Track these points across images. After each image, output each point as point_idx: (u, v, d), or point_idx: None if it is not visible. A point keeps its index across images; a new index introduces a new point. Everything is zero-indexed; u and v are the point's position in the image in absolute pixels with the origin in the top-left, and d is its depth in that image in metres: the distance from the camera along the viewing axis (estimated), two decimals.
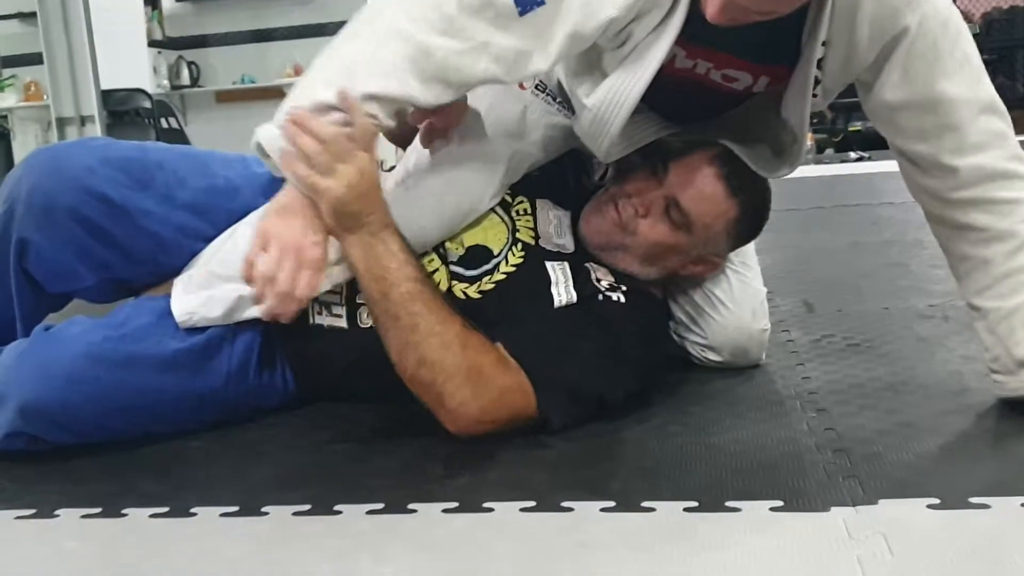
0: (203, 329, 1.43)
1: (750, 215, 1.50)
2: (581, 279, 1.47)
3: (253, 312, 1.40)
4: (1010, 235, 1.28)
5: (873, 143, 4.84)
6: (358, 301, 1.46)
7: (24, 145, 7.41)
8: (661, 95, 1.34)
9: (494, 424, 1.31)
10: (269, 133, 1.29)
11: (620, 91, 1.30)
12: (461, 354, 1.28)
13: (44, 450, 1.38)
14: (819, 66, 1.27)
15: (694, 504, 1.11)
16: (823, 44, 1.25)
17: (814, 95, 1.30)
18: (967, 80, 1.26)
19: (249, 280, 1.27)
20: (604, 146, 1.37)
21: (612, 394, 1.40)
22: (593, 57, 1.34)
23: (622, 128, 1.33)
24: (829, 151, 6.37)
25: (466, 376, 1.28)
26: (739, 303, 1.58)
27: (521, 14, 1.23)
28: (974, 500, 1.07)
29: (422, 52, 1.24)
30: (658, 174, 1.45)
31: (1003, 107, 1.29)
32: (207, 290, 1.44)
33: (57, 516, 1.20)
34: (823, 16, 1.21)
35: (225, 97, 8.04)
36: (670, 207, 1.44)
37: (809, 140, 5.69)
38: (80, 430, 1.37)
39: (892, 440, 1.27)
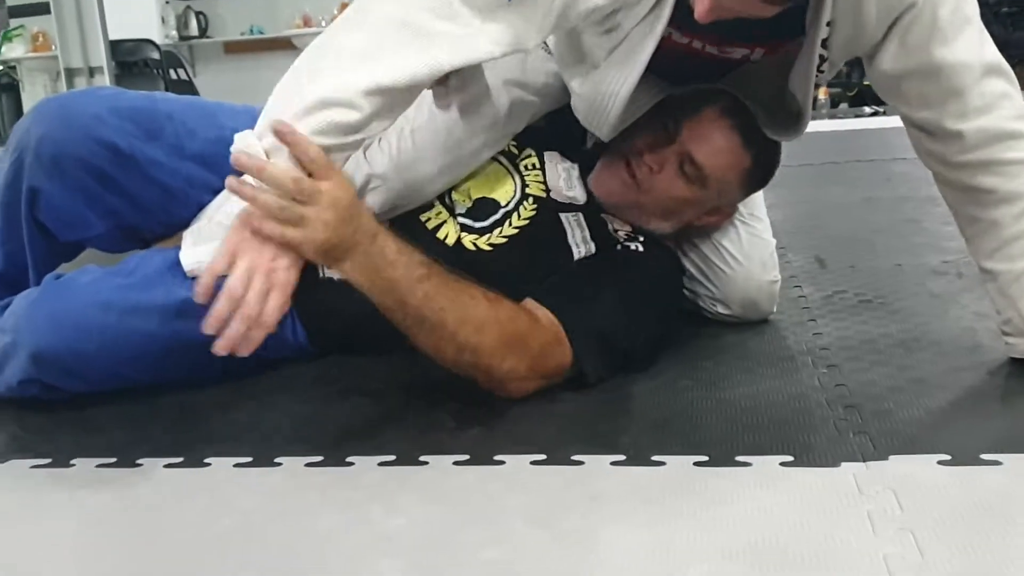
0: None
1: (762, 164, 1.50)
2: (598, 229, 1.47)
3: None
4: (1017, 197, 1.27)
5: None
6: None
7: (33, 96, 7.39)
8: (658, 62, 1.33)
9: (543, 379, 1.32)
10: (248, 146, 1.18)
11: (612, 85, 1.29)
12: (497, 330, 1.25)
13: (59, 399, 1.39)
14: (824, 45, 1.26)
15: (704, 458, 1.11)
16: (828, 24, 1.23)
17: (821, 70, 1.30)
18: (967, 44, 1.24)
19: (203, 295, 1.13)
20: (604, 132, 1.38)
21: (638, 342, 1.40)
22: (582, 45, 1.32)
23: (619, 117, 1.31)
24: (843, 105, 6.31)
25: (507, 347, 1.26)
26: (748, 255, 1.58)
27: (509, 1, 1.20)
28: (985, 457, 1.07)
29: (425, 36, 1.18)
30: (669, 130, 1.44)
31: (1007, 67, 1.27)
32: (215, 242, 1.44)
33: (73, 465, 1.21)
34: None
35: (234, 48, 8.00)
36: (684, 163, 1.43)
37: (823, 94, 5.63)
38: (93, 378, 1.38)
39: (903, 396, 1.27)
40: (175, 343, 1.40)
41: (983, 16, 1.27)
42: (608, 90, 1.29)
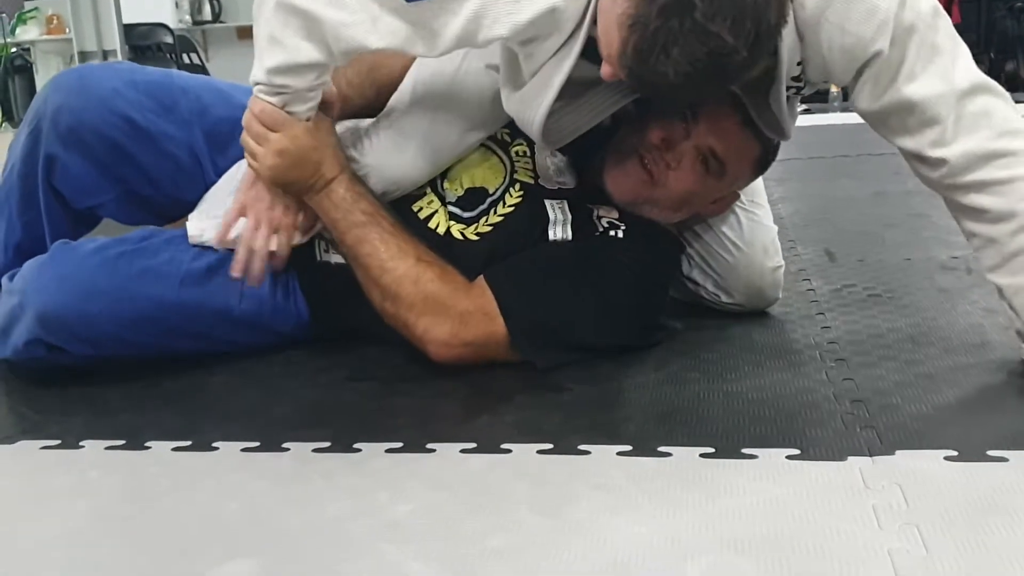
0: (217, 250, 1.45)
1: (768, 151, 1.49)
2: (581, 218, 1.46)
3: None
4: (1011, 215, 1.26)
5: None
6: None
7: (47, 79, 7.38)
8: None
9: (466, 348, 1.36)
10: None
11: (528, 111, 1.29)
12: (414, 286, 1.36)
13: (65, 363, 1.41)
14: (798, 79, 1.29)
15: (710, 450, 1.11)
16: (799, 64, 1.25)
17: (801, 93, 1.34)
18: (937, 74, 1.23)
19: (223, 242, 1.42)
20: (539, 145, 1.43)
21: (593, 329, 1.41)
22: (513, 63, 1.32)
23: (541, 140, 1.32)
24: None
25: (424, 304, 1.35)
26: (750, 241, 1.57)
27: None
28: (992, 453, 1.07)
29: (313, 22, 1.24)
30: (686, 124, 1.42)
31: (986, 81, 1.26)
32: (218, 211, 1.46)
33: (81, 447, 1.22)
34: (782, 48, 1.19)
35: (247, 33, 7.93)
36: (706, 157, 1.42)
37: (835, 88, 5.59)
38: (98, 341, 1.40)
39: (911, 391, 1.27)
40: (181, 311, 1.43)
41: (996, 9, 1.26)
42: (526, 116, 1.31)
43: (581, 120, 1.33)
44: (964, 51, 1.27)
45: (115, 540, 0.99)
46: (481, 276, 1.39)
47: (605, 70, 1.16)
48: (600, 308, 1.41)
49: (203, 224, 1.46)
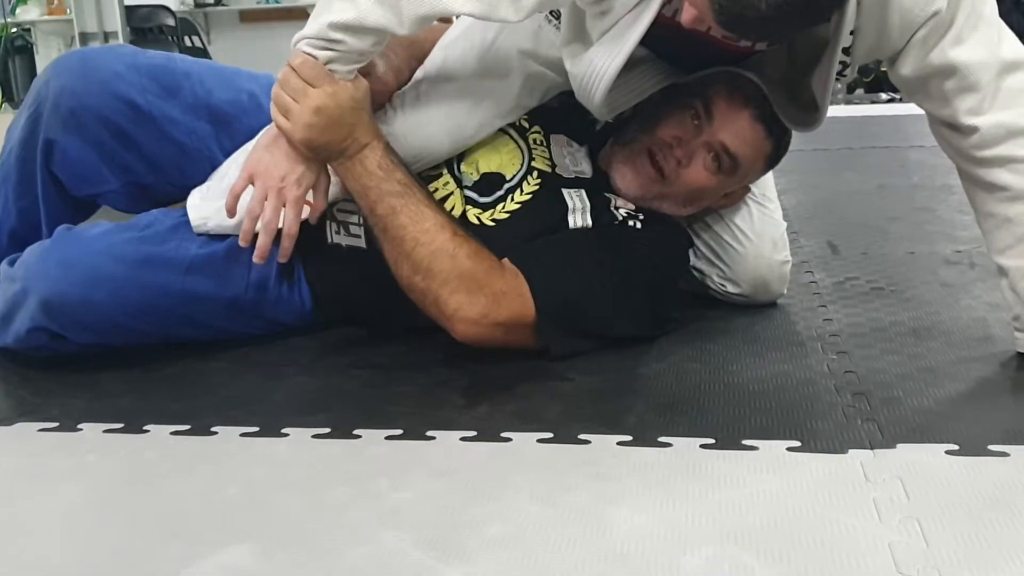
0: (224, 238, 1.44)
1: (780, 149, 1.49)
2: (600, 207, 1.46)
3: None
4: None
5: None
6: None
7: (47, 59, 7.36)
8: (661, 45, 1.32)
9: (494, 327, 1.32)
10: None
11: (598, 67, 1.28)
12: (450, 261, 1.31)
13: (67, 351, 1.40)
14: (847, 51, 1.27)
15: (711, 441, 1.11)
16: (851, 33, 1.24)
17: (844, 75, 1.32)
18: (982, 42, 1.24)
19: (231, 212, 1.36)
20: (594, 110, 1.38)
21: (612, 315, 1.40)
22: (580, 24, 1.32)
23: (604, 99, 1.31)
24: (859, 91, 6.26)
25: (459, 281, 1.31)
26: (759, 233, 1.57)
27: None
28: (993, 448, 1.07)
29: None
30: (699, 120, 1.42)
31: None
32: (223, 200, 1.45)
33: (80, 430, 1.21)
34: (847, 10, 1.19)
35: (249, 16, 7.96)
36: (718, 153, 1.42)
37: None
38: (102, 329, 1.39)
39: (912, 385, 1.26)
40: (184, 299, 1.42)
41: (1003, 3, 1.26)
42: (595, 70, 1.29)
43: (621, 99, 1.35)
44: (1008, 31, 1.28)
45: (113, 522, 0.99)
46: (507, 260, 1.36)
47: (688, 14, 1.13)
48: (621, 297, 1.41)
49: (206, 211, 1.44)
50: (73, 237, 1.40)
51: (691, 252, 1.59)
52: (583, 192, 1.47)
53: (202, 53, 7.38)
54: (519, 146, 1.50)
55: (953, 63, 1.24)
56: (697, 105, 1.42)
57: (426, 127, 1.43)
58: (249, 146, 1.47)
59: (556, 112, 1.52)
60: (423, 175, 1.47)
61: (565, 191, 1.46)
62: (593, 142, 1.54)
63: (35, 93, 1.50)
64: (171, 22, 7.15)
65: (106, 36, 6.71)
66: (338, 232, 1.48)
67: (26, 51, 7.61)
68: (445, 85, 1.45)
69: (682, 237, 1.56)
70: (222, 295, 1.44)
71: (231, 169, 1.48)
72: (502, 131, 1.50)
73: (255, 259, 1.36)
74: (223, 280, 1.43)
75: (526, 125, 1.51)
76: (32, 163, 1.50)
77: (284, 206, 1.34)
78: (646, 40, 1.25)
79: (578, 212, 1.44)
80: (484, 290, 1.31)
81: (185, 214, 1.45)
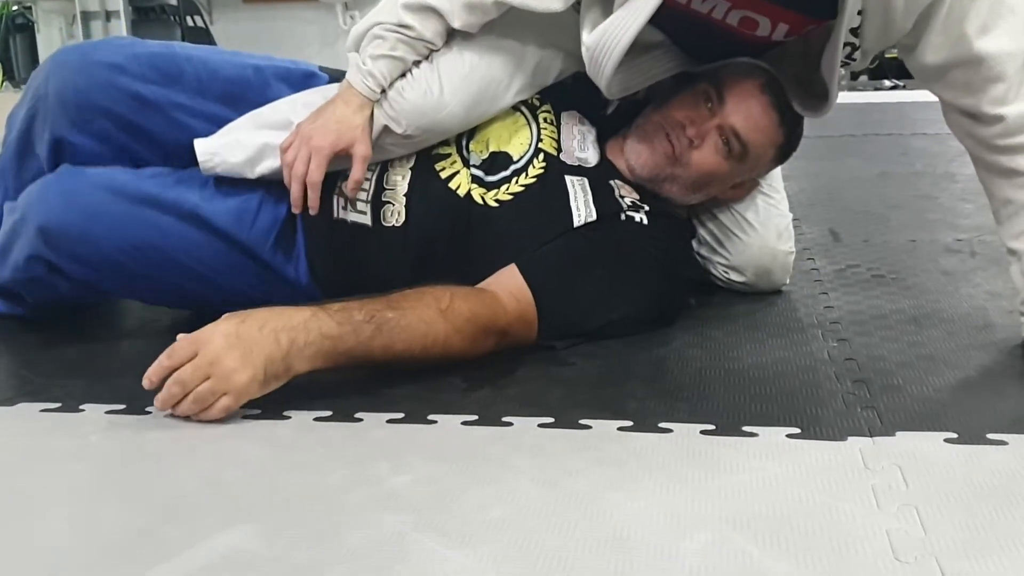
0: (226, 197, 1.45)
1: (792, 141, 1.50)
2: (603, 195, 1.46)
3: (273, 165, 1.44)
4: None
5: (908, 71, 4.75)
6: (383, 199, 1.46)
7: (48, 38, 7.35)
8: (680, 33, 1.32)
9: (501, 345, 1.34)
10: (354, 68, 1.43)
11: (613, 34, 1.29)
12: (459, 338, 1.27)
13: (64, 293, 1.42)
14: (856, 33, 1.27)
15: (711, 427, 1.11)
16: (859, 13, 1.24)
17: (853, 59, 1.32)
18: (1008, 32, 1.25)
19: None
20: (602, 85, 1.38)
21: (619, 319, 1.41)
22: None
23: (614, 71, 1.32)
24: (863, 78, 6.24)
25: (473, 342, 1.29)
26: (765, 223, 1.58)
27: None
28: (992, 436, 1.07)
29: None
30: (712, 103, 1.43)
31: None
32: (233, 133, 1.45)
33: (82, 411, 1.22)
34: None
35: None
36: (729, 138, 1.42)
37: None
38: (98, 264, 1.41)
39: (912, 372, 1.27)
40: (182, 242, 1.43)
41: None
42: (609, 39, 1.30)
43: (632, 80, 1.37)
44: None
45: (114, 503, 0.99)
46: (516, 270, 1.37)
47: None
48: (630, 304, 1.42)
49: (213, 145, 1.44)
50: (74, 172, 1.43)
51: (694, 241, 1.60)
52: (585, 180, 1.47)
53: (204, 33, 7.36)
54: (528, 124, 1.50)
55: (979, 53, 1.24)
56: (710, 89, 1.42)
57: (439, 96, 1.44)
58: (262, 110, 1.48)
59: (570, 89, 1.53)
60: (431, 152, 1.47)
61: (567, 177, 1.46)
62: (602, 128, 1.54)
63: (33, 90, 1.49)
64: (173, 1, 7.13)
65: (108, 15, 6.70)
66: (344, 207, 1.48)
67: (27, 29, 7.59)
68: (459, 57, 1.45)
69: (686, 231, 1.57)
70: (216, 250, 1.44)
71: (251, 120, 1.48)
72: (514, 108, 1.51)
73: (294, 207, 1.41)
74: (220, 236, 1.44)
75: (537, 103, 1.52)
76: (29, 156, 1.50)
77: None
78: (664, 24, 1.25)
79: (580, 200, 1.44)
80: (494, 332, 1.32)
81: (191, 172, 1.45)
